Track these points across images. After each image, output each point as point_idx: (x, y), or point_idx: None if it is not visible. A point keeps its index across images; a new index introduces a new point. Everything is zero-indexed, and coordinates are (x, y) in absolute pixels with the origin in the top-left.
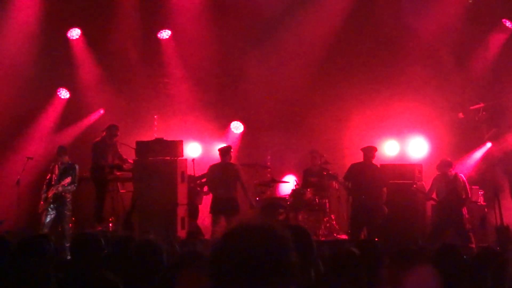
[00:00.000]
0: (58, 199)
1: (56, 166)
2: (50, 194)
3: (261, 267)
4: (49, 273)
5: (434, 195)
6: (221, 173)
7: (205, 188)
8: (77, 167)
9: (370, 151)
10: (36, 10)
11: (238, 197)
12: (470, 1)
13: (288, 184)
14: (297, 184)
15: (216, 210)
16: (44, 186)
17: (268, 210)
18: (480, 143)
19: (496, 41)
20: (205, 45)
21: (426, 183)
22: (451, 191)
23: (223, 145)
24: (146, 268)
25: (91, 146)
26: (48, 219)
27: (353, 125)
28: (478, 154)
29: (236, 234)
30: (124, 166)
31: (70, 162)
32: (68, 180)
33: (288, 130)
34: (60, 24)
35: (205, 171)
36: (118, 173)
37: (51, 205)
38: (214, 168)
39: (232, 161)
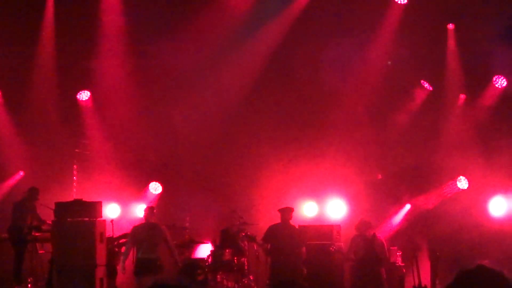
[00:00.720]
0: None
1: None
2: None
3: None
4: None
5: (352, 256)
6: (146, 233)
7: (123, 249)
8: None
9: (287, 212)
10: None
11: (163, 258)
12: (389, 63)
13: (207, 245)
14: (216, 245)
15: (140, 272)
16: None
17: (187, 270)
18: (398, 204)
19: (415, 101)
20: (124, 104)
21: (345, 243)
22: (369, 251)
23: (143, 205)
24: None
25: (12, 207)
26: None
27: (272, 186)
28: (398, 215)
29: None
30: (42, 227)
31: None
32: None
33: (206, 191)
34: None
35: (124, 232)
36: (37, 234)
37: None
38: (138, 229)
39: (155, 221)
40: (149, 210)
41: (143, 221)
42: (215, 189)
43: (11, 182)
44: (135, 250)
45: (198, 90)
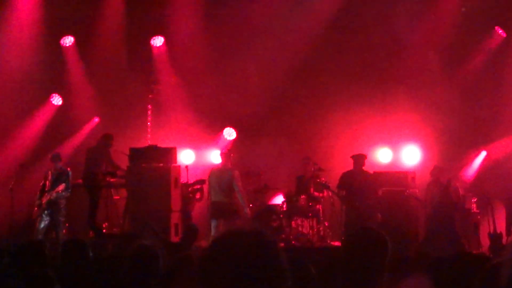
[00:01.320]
0: (52, 206)
1: (50, 172)
2: (44, 200)
3: (251, 272)
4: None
5: (427, 202)
6: (219, 177)
7: (198, 195)
8: (70, 173)
9: (360, 159)
10: (31, 17)
11: (235, 202)
12: (463, 10)
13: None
14: (290, 191)
15: (213, 214)
16: (38, 192)
17: (262, 216)
18: (473, 151)
19: (488, 48)
20: (198, 52)
21: (419, 190)
22: (444, 197)
23: (217, 151)
24: (143, 273)
25: (85, 152)
26: (42, 225)
27: (346, 133)
28: (473, 162)
29: (225, 240)
30: (117, 172)
31: (63, 168)
32: (61, 187)
33: (281, 138)
34: (54, 31)
35: (198, 178)
36: (111, 180)
37: (45, 212)
38: (213, 172)
39: (230, 166)
40: (225, 155)
41: (220, 166)
42: (289, 136)
43: (87, 129)
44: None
45: (271, 39)
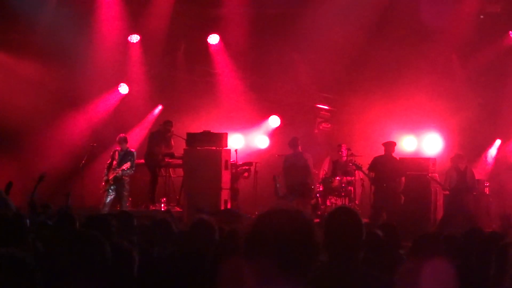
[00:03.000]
0: (118, 182)
1: (117, 152)
2: (111, 176)
3: (289, 245)
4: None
5: (446, 185)
6: (295, 161)
7: (245, 174)
8: (135, 153)
9: (390, 146)
10: (107, 14)
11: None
12: (482, 17)
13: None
14: (326, 173)
15: (292, 194)
16: (105, 170)
17: (303, 195)
18: (488, 140)
19: (504, 48)
20: (249, 48)
21: (439, 175)
22: (461, 182)
23: (263, 136)
24: (201, 243)
25: (148, 135)
26: (108, 199)
27: (375, 122)
28: (490, 150)
29: (268, 217)
30: (175, 154)
31: (129, 149)
32: (127, 165)
33: (318, 125)
34: (121, 28)
35: (246, 160)
36: (170, 160)
37: (111, 187)
38: (288, 158)
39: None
40: (292, 142)
41: (291, 151)
42: (324, 126)
43: (152, 115)
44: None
45: (308, 30)
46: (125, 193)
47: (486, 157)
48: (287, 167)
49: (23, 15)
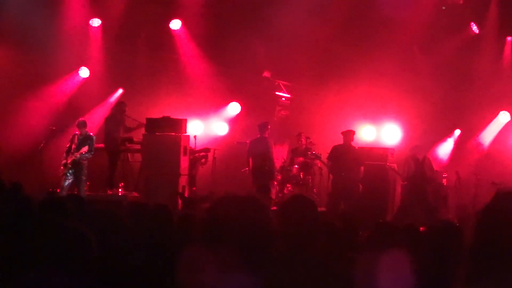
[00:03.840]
0: (76, 165)
1: (76, 136)
2: (69, 160)
3: (245, 231)
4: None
5: (404, 174)
6: (258, 146)
7: (202, 161)
8: (94, 138)
9: (349, 135)
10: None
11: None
12: (443, 8)
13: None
14: (285, 161)
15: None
16: (64, 153)
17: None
18: (447, 130)
19: (463, 41)
20: (210, 35)
21: (398, 165)
22: (418, 171)
23: (222, 123)
24: (158, 229)
25: (104, 121)
26: (66, 183)
27: (334, 112)
28: (449, 140)
29: (224, 202)
30: (134, 139)
31: (88, 133)
32: (85, 149)
33: (278, 115)
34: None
35: (204, 146)
36: (129, 145)
37: (70, 171)
38: (252, 142)
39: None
40: (261, 126)
41: (257, 136)
42: (283, 114)
43: (113, 98)
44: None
45: (277, 25)
46: (83, 177)
47: (444, 148)
48: (250, 150)
49: None
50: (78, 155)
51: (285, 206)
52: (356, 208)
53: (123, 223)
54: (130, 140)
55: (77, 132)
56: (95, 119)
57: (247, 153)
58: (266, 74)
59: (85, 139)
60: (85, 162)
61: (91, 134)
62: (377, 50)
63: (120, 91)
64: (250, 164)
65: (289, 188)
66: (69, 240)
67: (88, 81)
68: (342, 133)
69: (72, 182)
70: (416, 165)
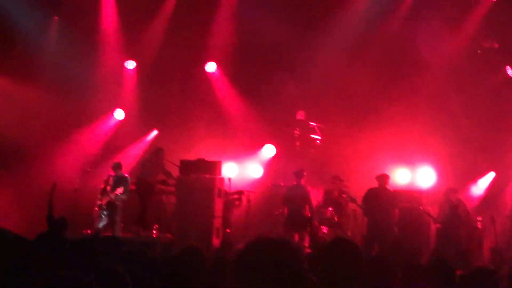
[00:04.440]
0: (111, 207)
1: (111, 177)
2: (104, 201)
3: (277, 274)
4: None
5: (439, 218)
6: (297, 193)
7: (237, 203)
8: (129, 179)
9: (384, 178)
10: (98, 40)
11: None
12: (479, 52)
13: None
14: (319, 203)
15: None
16: (99, 195)
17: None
18: (483, 173)
19: (498, 83)
20: (242, 79)
21: (432, 208)
22: (453, 215)
23: (257, 165)
24: (190, 270)
25: (141, 164)
26: (101, 224)
27: (369, 153)
28: (483, 182)
29: (257, 245)
30: (169, 181)
31: (123, 174)
32: (121, 189)
33: (312, 157)
34: (117, 54)
35: (239, 189)
36: (162, 187)
37: (104, 212)
38: (290, 189)
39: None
40: (300, 172)
41: (294, 183)
42: (317, 155)
43: (147, 140)
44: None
45: (309, 67)
46: (117, 219)
47: (478, 190)
48: (287, 198)
49: (24, 39)
50: (113, 196)
51: (329, 248)
52: (391, 251)
53: (156, 264)
54: (165, 182)
55: (112, 174)
56: (128, 159)
57: (283, 199)
58: (300, 115)
59: (119, 180)
60: (120, 203)
61: (126, 175)
62: (411, 92)
63: (155, 132)
64: (286, 212)
65: (324, 231)
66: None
67: (123, 123)
68: (377, 177)
69: (106, 223)
70: (451, 208)
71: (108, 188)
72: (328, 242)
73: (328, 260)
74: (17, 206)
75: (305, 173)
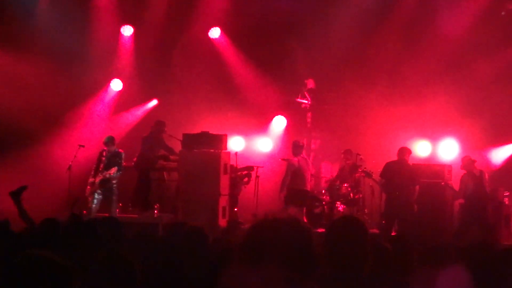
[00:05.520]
0: (105, 184)
1: (104, 153)
2: (97, 179)
3: (286, 255)
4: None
5: (462, 193)
6: (301, 166)
7: (245, 180)
8: (123, 155)
9: (404, 152)
10: (93, 7)
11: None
12: (503, 14)
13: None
14: (333, 179)
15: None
16: (92, 171)
17: (306, 204)
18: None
19: None
20: (250, 46)
21: (455, 183)
22: (478, 188)
23: (266, 139)
24: (194, 254)
25: (141, 141)
26: (94, 203)
27: (388, 126)
28: (504, 153)
29: (263, 226)
30: (170, 156)
31: (117, 150)
32: (114, 169)
33: (324, 130)
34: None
35: (247, 164)
36: (164, 163)
37: (98, 190)
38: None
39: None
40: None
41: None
42: (330, 130)
43: (145, 110)
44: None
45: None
46: (114, 198)
47: (499, 160)
48: (295, 171)
49: (13, 5)
50: (107, 175)
51: (333, 227)
52: (411, 229)
53: (158, 247)
54: (166, 158)
55: (105, 149)
56: (124, 120)
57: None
58: (310, 84)
59: (113, 157)
60: (115, 181)
61: (120, 150)
62: (432, 61)
63: (154, 101)
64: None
65: (339, 208)
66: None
67: (122, 94)
68: (399, 150)
69: (100, 202)
70: (474, 182)
71: (101, 166)
72: (334, 220)
73: (332, 238)
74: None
75: (302, 144)
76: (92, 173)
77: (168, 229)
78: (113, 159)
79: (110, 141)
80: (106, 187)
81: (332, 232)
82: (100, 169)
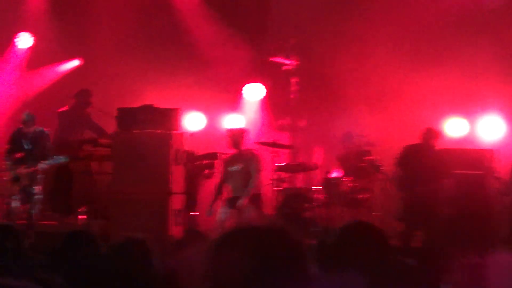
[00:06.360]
0: (28, 179)
1: (22, 135)
2: (24, 171)
3: (269, 275)
4: None
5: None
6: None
7: (207, 171)
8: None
9: (432, 134)
10: None
11: None
12: None
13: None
14: (329, 173)
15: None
16: (7, 158)
17: (291, 204)
18: None
19: None
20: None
21: (504, 173)
22: None
23: (235, 116)
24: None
25: (57, 116)
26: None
27: (407, 98)
28: None
29: (239, 236)
30: (100, 140)
31: (42, 129)
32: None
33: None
34: None
35: (209, 151)
36: (92, 149)
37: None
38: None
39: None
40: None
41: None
42: (328, 102)
43: (65, 68)
44: None
45: None
46: (37, 199)
47: None
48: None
49: None
50: (39, 167)
51: (341, 236)
52: (441, 239)
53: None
54: (94, 142)
55: (21, 127)
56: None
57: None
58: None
59: (38, 139)
60: (41, 174)
61: (45, 130)
62: (467, 27)
63: (76, 62)
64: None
65: (338, 211)
66: None
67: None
68: (423, 132)
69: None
70: None
71: (19, 154)
72: (338, 228)
73: (337, 256)
74: None
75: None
76: (8, 162)
77: (91, 243)
78: (38, 143)
79: (31, 119)
80: (30, 182)
81: (339, 244)
82: (22, 156)
